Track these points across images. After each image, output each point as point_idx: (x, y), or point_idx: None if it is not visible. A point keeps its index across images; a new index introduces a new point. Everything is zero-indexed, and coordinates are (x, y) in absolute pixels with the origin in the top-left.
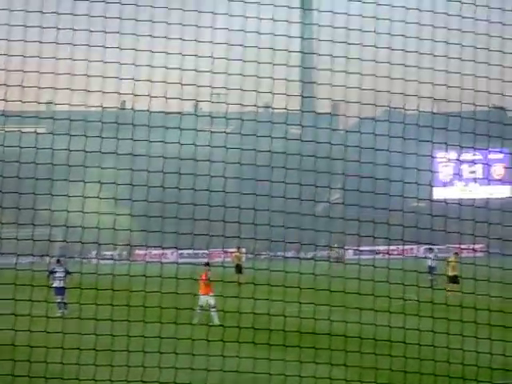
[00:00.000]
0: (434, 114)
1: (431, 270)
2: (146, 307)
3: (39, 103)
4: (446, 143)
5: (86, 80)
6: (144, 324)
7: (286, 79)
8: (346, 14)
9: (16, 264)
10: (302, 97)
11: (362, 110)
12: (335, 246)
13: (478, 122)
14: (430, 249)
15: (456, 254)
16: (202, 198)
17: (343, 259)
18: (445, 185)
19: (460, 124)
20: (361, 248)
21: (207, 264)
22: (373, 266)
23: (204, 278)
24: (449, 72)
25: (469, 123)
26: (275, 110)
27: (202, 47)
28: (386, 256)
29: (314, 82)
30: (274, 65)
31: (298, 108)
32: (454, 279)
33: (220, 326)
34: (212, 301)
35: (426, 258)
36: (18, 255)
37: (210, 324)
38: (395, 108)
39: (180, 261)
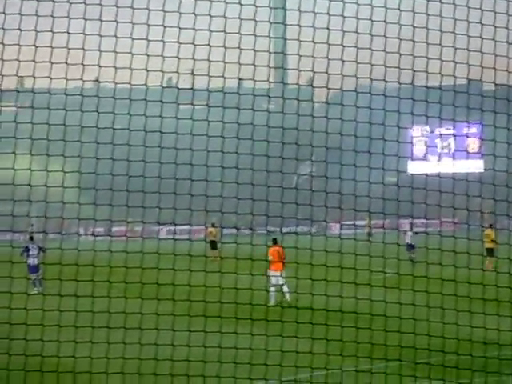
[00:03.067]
0: (401, 85)
1: (410, 247)
2: (128, 283)
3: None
4: (425, 116)
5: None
6: (125, 300)
7: (268, 51)
8: None
9: None
10: (284, 69)
11: (336, 84)
12: (367, 223)
13: (452, 95)
14: (410, 224)
15: (491, 226)
16: (184, 173)
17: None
18: (419, 159)
19: (438, 97)
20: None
21: (275, 240)
22: (354, 239)
23: (274, 254)
24: (429, 44)
25: (444, 97)
26: (252, 85)
27: (182, 21)
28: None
29: (297, 54)
30: (256, 36)
31: (274, 81)
32: (491, 252)
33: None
34: (282, 279)
35: (405, 233)
36: None
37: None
38: (374, 80)
39: (161, 237)
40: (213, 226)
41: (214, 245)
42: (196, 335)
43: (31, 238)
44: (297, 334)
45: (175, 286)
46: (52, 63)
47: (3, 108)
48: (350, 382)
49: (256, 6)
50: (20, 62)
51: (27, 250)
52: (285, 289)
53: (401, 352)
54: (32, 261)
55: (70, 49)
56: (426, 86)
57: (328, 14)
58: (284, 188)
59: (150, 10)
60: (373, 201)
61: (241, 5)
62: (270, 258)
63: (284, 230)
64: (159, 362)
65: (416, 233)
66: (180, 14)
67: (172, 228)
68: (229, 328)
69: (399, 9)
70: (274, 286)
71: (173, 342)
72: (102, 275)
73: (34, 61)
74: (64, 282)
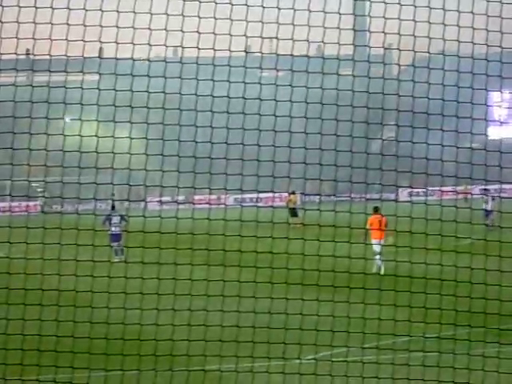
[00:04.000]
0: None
1: (488, 213)
2: (210, 251)
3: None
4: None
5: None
6: (207, 267)
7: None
8: None
9: (77, 210)
10: (368, 31)
11: (420, 48)
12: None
13: None
14: (485, 189)
15: None
16: (266, 140)
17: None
18: (501, 124)
19: None
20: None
21: (377, 208)
22: (440, 205)
23: (374, 222)
24: None
25: None
26: (331, 51)
27: None
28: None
29: (382, 17)
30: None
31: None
32: None
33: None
34: (379, 248)
35: (483, 198)
36: (81, 199)
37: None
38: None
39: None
40: (293, 193)
41: (294, 212)
42: (277, 302)
43: (113, 207)
44: (380, 301)
45: (257, 254)
46: (135, 28)
47: (85, 76)
48: (433, 348)
49: None
50: (102, 27)
51: (109, 218)
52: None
53: (485, 318)
54: (114, 229)
55: (152, 14)
56: None
57: None
58: (368, 154)
59: None
60: (452, 166)
61: None
62: (369, 226)
63: (367, 196)
64: (241, 330)
65: (493, 198)
66: None
67: (255, 196)
68: (311, 296)
69: None
70: (378, 254)
71: (254, 310)
72: (184, 243)
73: (116, 26)
74: (145, 250)
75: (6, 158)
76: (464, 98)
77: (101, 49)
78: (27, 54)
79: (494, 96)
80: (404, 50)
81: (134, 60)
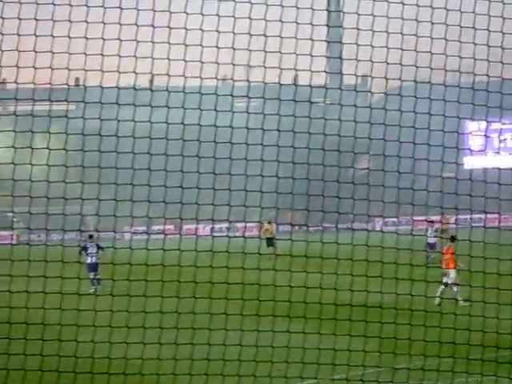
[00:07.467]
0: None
1: (430, 246)
2: (181, 282)
3: None
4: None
5: None
6: (178, 300)
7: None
8: None
9: (47, 240)
10: (341, 59)
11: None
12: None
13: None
14: (432, 221)
15: None
16: (238, 167)
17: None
18: (475, 154)
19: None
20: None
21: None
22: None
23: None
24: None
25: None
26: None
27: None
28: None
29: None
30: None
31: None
32: None
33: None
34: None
35: (426, 230)
36: (48, 230)
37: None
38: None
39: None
40: (269, 222)
41: (270, 242)
42: (248, 334)
43: (90, 237)
44: (350, 332)
45: (229, 285)
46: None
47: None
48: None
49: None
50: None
51: (86, 248)
52: (454, 289)
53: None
54: (90, 259)
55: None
56: (487, 75)
57: (387, 0)
58: (340, 183)
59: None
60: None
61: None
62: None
63: (340, 226)
64: (210, 362)
65: (436, 230)
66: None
67: (227, 225)
68: (282, 326)
69: (446, 8)
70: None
71: (225, 342)
72: (156, 274)
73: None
74: (119, 281)
75: None
76: (436, 126)
77: (77, 79)
78: None
79: (470, 126)
80: (377, 78)
81: (102, 88)
